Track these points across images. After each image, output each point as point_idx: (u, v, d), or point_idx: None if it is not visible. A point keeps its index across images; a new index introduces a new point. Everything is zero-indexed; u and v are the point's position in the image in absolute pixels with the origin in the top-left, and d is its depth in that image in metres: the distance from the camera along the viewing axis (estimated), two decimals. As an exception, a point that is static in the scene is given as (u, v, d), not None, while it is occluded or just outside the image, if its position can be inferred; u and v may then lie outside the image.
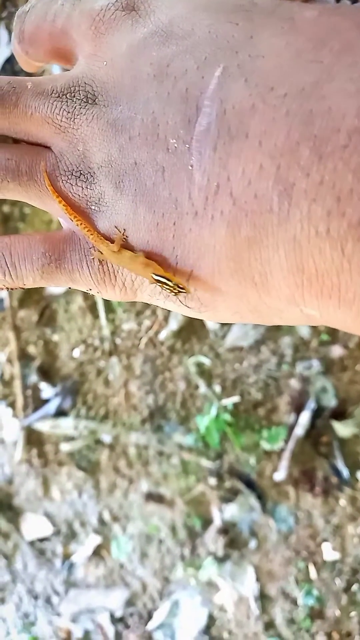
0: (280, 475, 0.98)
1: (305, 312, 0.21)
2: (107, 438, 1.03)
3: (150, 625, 1.00)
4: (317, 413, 0.98)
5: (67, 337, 1.04)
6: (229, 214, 0.20)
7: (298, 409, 0.98)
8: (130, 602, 1.02)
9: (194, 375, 1.01)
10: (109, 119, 0.22)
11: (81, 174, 0.23)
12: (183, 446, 1.01)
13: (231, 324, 1.00)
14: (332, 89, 0.17)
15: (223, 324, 1.00)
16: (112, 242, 0.23)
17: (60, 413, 1.04)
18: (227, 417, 0.99)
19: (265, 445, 0.99)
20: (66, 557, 1.04)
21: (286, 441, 0.98)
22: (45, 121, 0.23)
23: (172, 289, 0.22)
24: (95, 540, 1.03)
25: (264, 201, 0.19)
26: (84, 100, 0.22)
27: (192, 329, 1.01)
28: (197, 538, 1.00)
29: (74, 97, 0.23)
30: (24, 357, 1.05)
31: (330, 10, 0.19)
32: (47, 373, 1.05)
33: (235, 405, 0.99)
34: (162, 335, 1.01)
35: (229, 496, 1.00)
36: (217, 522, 1.00)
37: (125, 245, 0.23)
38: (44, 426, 1.04)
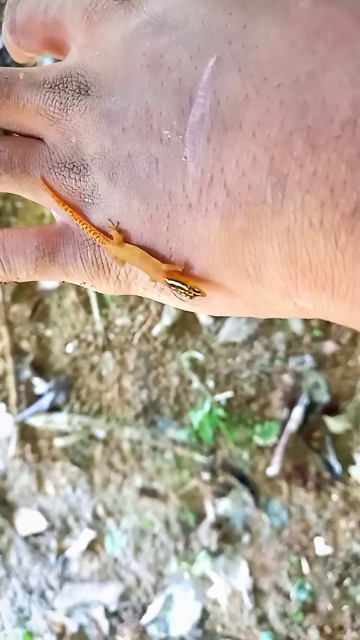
0: (273, 470, 0.98)
1: (298, 305, 0.21)
2: (100, 433, 1.03)
3: (145, 619, 1.01)
4: (310, 408, 0.98)
5: (60, 332, 1.04)
6: (222, 206, 0.20)
7: (291, 404, 0.98)
8: (124, 597, 1.02)
9: (188, 371, 1.01)
10: (102, 110, 0.22)
11: (74, 166, 0.23)
12: (176, 441, 1.01)
13: (225, 319, 1.00)
14: (326, 80, 0.17)
15: (216, 319, 1.00)
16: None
17: (53, 408, 1.04)
18: (220, 412, 0.99)
19: (258, 441, 0.99)
20: (60, 551, 1.05)
21: (279, 436, 0.98)
22: (38, 112, 0.23)
23: (187, 292, 0.22)
24: (89, 535, 1.04)
25: (257, 192, 0.19)
26: (77, 91, 0.22)
27: (185, 324, 1.01)
28: (190, 532, 1.01)
29: (67, 88, 0.22)
30: (17, 353, 1.05)
31: (326, 1, 0.19)
32: (41, 368, 1.05)
33: (229, 400, 1.00)
34: (156, 330, 1.01)
35: (223, 491, 1.00)
36: (210, 516, 1.00)
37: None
38: (37, 421, 1.04)
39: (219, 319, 1.00)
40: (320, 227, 0.18)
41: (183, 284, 0.22)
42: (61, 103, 0.22)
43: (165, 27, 0.21)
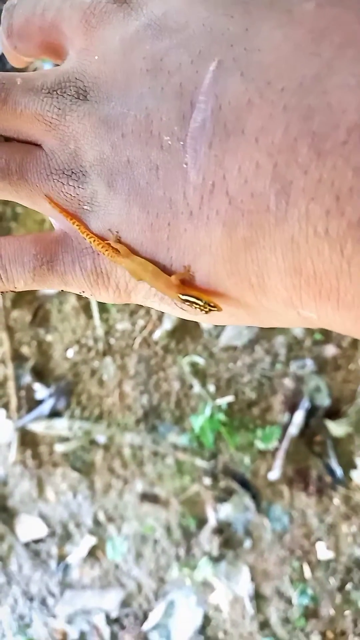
0: (274, 474, 0.98)
1: (302, 315, 0.20)
2: (101, 438, 1.03)
3: (146, 626, 1.00)
4: (311, 412, 0.98)
5: (60, 337, 1.04)
6: (225, 214, 0.19)
7: (292, 408, 0.98)
8: (125, 603, 1.02)
9: (188, 375, 1.01)
10: (101, 115, 0.21)
11: (73, 172, 0.22)
12: (177, 446, 1.01)
13: (225, 323, 1.00)
14: (332, 84, 0.17)
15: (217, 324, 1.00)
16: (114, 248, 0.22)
17: (54, 414, 1.04)
18: (221, 416, 0.99)
19: (259, 445, 0.99)
20: (61, 558, 1.04)
21: (280, 440, 0.98)
22: (36, 118, 0.22)
23: (202, 307, 0.21)
24: (90, 541, 1.03)
25: (260, 200, 0.18)
26: (75, 96, 0.22)
27: (186, 329, 1.01)
28: (192, 538, 1.00)
29: (65, 93, 0.22)
30: (18, 358, 1.05)
31: (330, 2, 0.18)
32: (41, 374, 1.05)
33: (230, 404, 0.99)
34: (156, 335, 1.01)
35: (224, 496, 1.00)
36: (211, 522, 1.00)
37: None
38: (38, 427, 1.03)
39: (220, 324, 1.00)
40: (325, 235, 0.17)
41: (198, 299, 0.21)
42: (59, 109, 0.22)
43: (166, 31, 0.20)
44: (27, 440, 1.04)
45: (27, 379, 1.04)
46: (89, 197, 0.22)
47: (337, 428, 0.98)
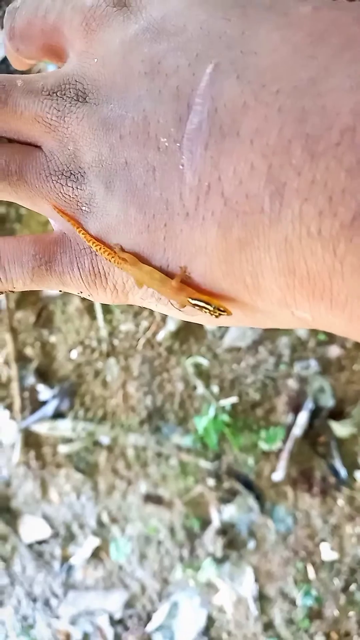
0: (278, 475, 0.98)
1: (296, 315, 0.20)
2: (105, 439, 1.03)
3: (150, 627, 1.00)
4: (315, 413, 0.98)
5: (64, 338, 1.04)
6: (220, 215, 0.19)
7: (296, 409, 0.98)
8: (129, 604, 1.02)
9: (192, 376, 1.01)
10: (100, 117, 0.21)
11: (71, 174, 0.23)
12: (181, 447, 1.01)
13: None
14: (328, 86, 0.17)
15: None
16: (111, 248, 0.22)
17: (58, 415, 1.04)
18: (225, 417, 0.99)
19: (263, 446, 0.99)
20: (65, 559, 1.04)
21: (284, 441, 0.98)
22: (36, 120, 0.23)
23: (212, 312, 0.21)
24: (93, 542, 1.03)
25: (255, 201, 0.18)
26: (75, 98, 0.22)
27: (189, 330, 1.01)
28: (195, 539, 1.00)
29: (65, 95, 0.22)
30: (21, 359, 1.05)
31: (328, 5, 0.19)
32: (45, 375, 1.05)
33: (233, 405, 0.99)
34: (160, 336, 1.01)
35: (228, 497, 1.00)
36: (215, 523, 1.00)
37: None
38: (41, 428, 1.03)
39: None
40: (318, 236, 0.17)
41: (207, 303, 0.21)
42: (58, 110, 0.22)
43: (164, 34, 0.20)
44: (31, 441, 1.04)
45: (30, 380, 1.04)
46: (87, 198, 0.23)
47: (341, 429, 0.98)
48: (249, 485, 1.00)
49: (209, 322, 0.23)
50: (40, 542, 1.05)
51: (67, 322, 1.04)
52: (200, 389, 1.00)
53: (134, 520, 1.02)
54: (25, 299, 1.04)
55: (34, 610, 1.04)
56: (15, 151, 0.24)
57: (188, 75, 0.19)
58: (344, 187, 0.16)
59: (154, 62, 0.20)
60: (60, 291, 0.25)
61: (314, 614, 0.97)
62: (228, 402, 0.99)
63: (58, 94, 0.22)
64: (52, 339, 1.04)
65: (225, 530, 0.99)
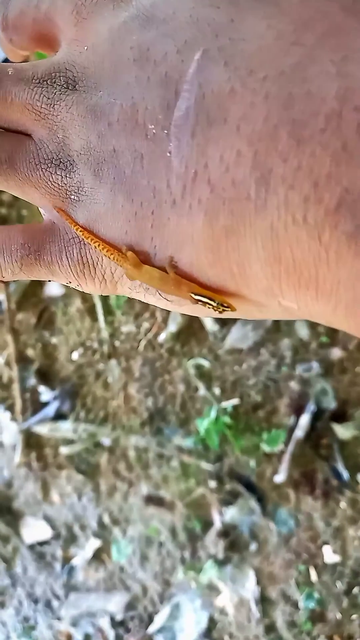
0: (280, 477, 0.98)
1: (283, 305, 0.20)
2: (106, 441, 1.03)
3: (151, 629, 1.00)
4: (317, 415, 0.98)
5: (65, 339, 1.04)
6: (206, 202, 0.19)
7: (298, 411, 0.98)
8: (130, 606, 1.02)
9: (194, 378, 1.01)
10: (89, 104, 0.21)
11: (61, 162, 0.23)
12: (183, 449, 1.01)
13: (231, 325, 1.00)
14: (313, 72, 0.17)
15: (222, 325, 1.00)
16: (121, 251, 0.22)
17: (59, 416, 1.04)
18: (226, 419, 0.98)
19: (265, 448, 0.98)
20: (66, 560, 1.04)
21: (286, 443, 0.98)
22: (26, 108, 0.23)
23: (215, 308, 0.21)
24: (95, 543, 1.03)
25: (241, 188, 0.18)
26: (64, 86, 0.22)
27: (191, 331, 1.01)
28: (197, 541, 1.00)
29: (55, 83, 0.22)
30: (23, 360, 1.05)
31: None
32: (46, 376, 1.05)
33: (235, 407, 0.99)
34: (161, 337, 1.01)
35: (229, 499, 1.00)
36: (217, 524, 0.99)
37: (147, 263, 0.22)
38: (43, 429, 1.03)
39: (225, 325, 1.00)
40: (304, 223, 0.17)
41: (211, 299, 0.21)
42: (48, 98, 0.22)
43: (154, 21, 0.20)
44: (32, 442, 1.04)
45: (32, 381, 1.04)
46: (76, 187, 0.22)
47: (343, 431, 0.97)
48: (250, 487, 1.00)
49: (196, 312, 0.23)
50: (41, 544, 1.05)
51: (68, 323, 1.04)
52: (202, 391, 1.00)
53: (135, 522, 1.02)
54: (27, 300, 1.04)
55: (35, 612, 1.04)
56: (6, 140, 0.24)
57: (176, 62, 0.19)
58: (329, 172, 0.16)
59: (143, 49, 0.20)
60: (49, 280, 0.25)
61: (317, 617, 0.97)
62: (230, 403, 0.99)
63: (48, 82, 0.22)
64: (54, 340, 1.04)
65: (227, 532, 0.99)
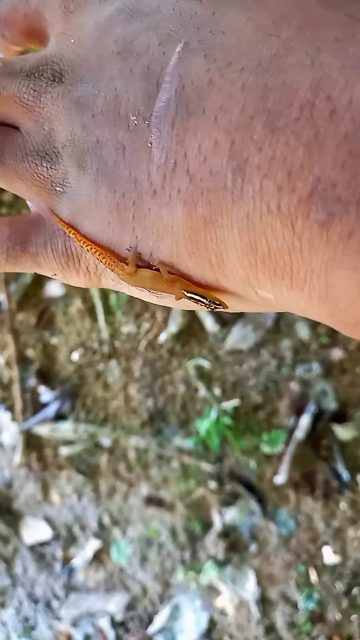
0: (280, 478, 0.98)
1: (260, 295, 0.20)
2: (106, 442, 1.03)
3: (151, 629, 1.00)
4: (318, 416, 0.97)
5: (65, 340, 1.04)
6: (185, 192, 0.19)
7: (298, 412, 0.98)
8: (130, 606, 1.02)
9: (194, 378, 1.00)
10: (74, 97, 0.22)
11: (46, 153, 0.23)
12: (183, 449, 1.01)
13: (231, 325, 1.00)
14: (288, 63, 0.17)
15: (223, 327, 1.00)
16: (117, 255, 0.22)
17: (59, 417, 1.04)
18: (227, 420, 0.98)
19: (265, 449, 0.98)
20: (66, 561, 1.04)
21: (286, 444, 0.98)
22: (13, 100, 0.23)
23: (208, 305, 0.21)
24: (95, 544, 1.03)
25: (218, 178, 0.18)
26: (51, 79, 0.22)
27: (191, 332, 1.01)
28: (197, 542, 1.00)
29: (42, 76, 0.22)
30: (23, 361, 1.05)
31: None
32: (46, 376, 1.05)
33: (235, 408, 0.99)
34: (162, 338, 1.01)
35: (229, 500, 1.00)
36: (217, 525, 0.99)
37: (141, 264, 0.22)
38: (43, 430, 1.03)
39: (226, 326, 1.00)
40: (278, 212, 0.17)
41: (203, 297, 0.21)
42: (35, 90, 0.22)
43: (138, 14, 0.21)
44: (32, 443, 1.04)
45: (32, 381, 1.04)
46: (61, 178, 0.23)
47: (343, 432, 0.97)
48: (251, 488, 1.00)
49: (177, 304, 0.23)
50: (41, 544, 1.05)
51: (68, 323, 1.04)
52: (202, 391, 1.00)
53: (135, 523, 1.02)
54: (27, 300, 1.04)
55: (36, 612, 1.04)
56: None
57: (158, 54, 0.20)
58: (302, 161, 0.16)
59: (127, 41, 0.21)
60: (38, 272, 0.25)
61: (316, 618, 0.97)
62: (230, 404, 0.99)
63: (36, 74, 0.23)
64: (54, 340, 1.04)
65: (227, 533, 0.99)
